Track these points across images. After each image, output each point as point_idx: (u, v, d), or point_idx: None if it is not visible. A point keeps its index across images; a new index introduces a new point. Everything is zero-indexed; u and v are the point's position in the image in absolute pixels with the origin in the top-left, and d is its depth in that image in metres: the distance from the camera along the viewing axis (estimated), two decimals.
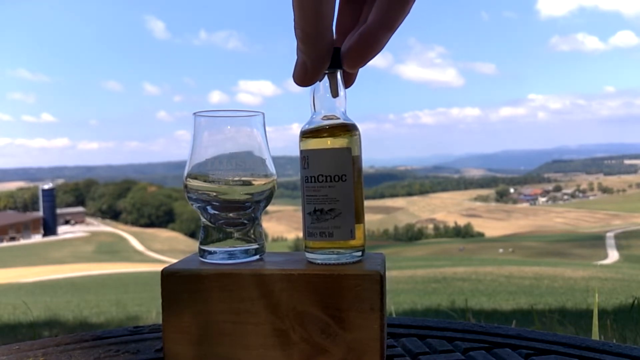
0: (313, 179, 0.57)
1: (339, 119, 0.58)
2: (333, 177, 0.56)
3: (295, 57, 0.52)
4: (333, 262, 0.58)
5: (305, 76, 0.52)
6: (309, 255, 0.59)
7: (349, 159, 0.57)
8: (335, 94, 0.57)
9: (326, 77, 0.56)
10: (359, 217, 0.58)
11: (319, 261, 0.58)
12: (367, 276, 0.54)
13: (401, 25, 0.50)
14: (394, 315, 1.52)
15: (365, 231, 0.60)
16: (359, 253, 0.59)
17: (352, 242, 0.58)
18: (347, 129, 0.58)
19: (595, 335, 1.35)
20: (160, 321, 0.60)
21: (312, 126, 0.58)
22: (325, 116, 0.58)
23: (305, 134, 0.58)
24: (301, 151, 0.58)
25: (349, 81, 0.58)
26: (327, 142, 0.57)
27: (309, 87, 0.56)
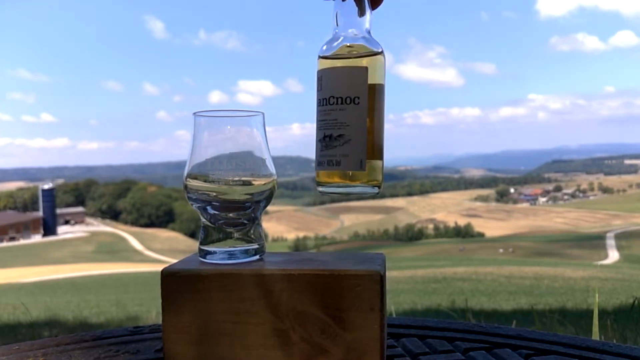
0: (325, 101, 0.53)
1: (360, 37, 0.53)
2: (345, 99, 0.52)
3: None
4: (343, 191, 0.54)
5: None
6: (320, 189, 0.56)
7: (364, 80, 0.52)
8: (361, 12, 0.53)
9: None
10: (374, 152, 0.53)
11: (328, 191, 0.54)
12: (367, 276, 0.54)
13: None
14: (394, 315, 1.52)
15: (383, 172, 0.55)
16: (375, 189, 0.54)
17: (364, 176, 0.53)
18: (368, 48, 0.53)
19: (596, 335, 1.35)
20: (160, 321, 0.60)
21: (330, 44, 0.54)
22: (346, 34, 0.54)
23: (323, 53, 0.54)
24: (317, 72, 0.55)
25: (376, 2, 0.54)
26: (342, 61, 0.52)
27: (333, 3, 0.53)
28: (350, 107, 0.52)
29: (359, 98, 0.52)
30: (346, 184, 0.53)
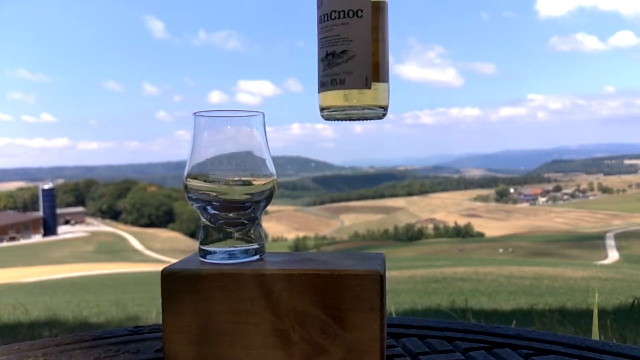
0: (326, 17, 0.51)
1: None
2: (347, 12, 0.49)
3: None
4: (347, 112, 0.51)
5: None
6: (323, 113, 0.53)
7: None
8: None
9: None
10: (379, 73, 0.51)
11: (333, 115, 0.52)
12: (367, 276, 0.54)
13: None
14: (394, 315, 1.52)
15: (389, 96, 0.52)
16: (381, 110, 0.52)
17: (369, 95, 0.50)
18: None
19: (595, 335, 1.35)
20: (160, 321, 0.60)
21: None
22: None
23: None
24: None
25: None
26: None
27: None
28: (353, 21, 0.49)
29: (361, 10, 0.49)
30: (351, 105, 0.51)
